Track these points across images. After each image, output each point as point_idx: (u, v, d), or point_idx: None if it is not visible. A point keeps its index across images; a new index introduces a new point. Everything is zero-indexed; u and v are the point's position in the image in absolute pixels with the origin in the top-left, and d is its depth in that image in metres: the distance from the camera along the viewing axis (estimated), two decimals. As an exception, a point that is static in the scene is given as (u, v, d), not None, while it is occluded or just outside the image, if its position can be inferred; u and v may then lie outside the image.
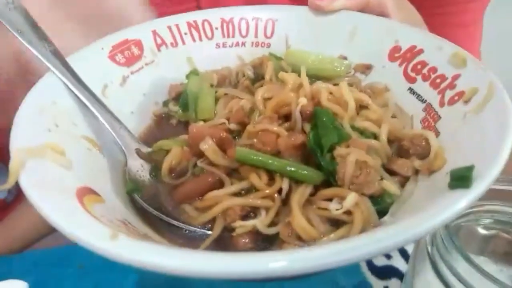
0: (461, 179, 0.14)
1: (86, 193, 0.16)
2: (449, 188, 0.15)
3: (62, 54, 0.21)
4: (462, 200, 0.13)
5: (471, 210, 0.22)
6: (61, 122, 0.19)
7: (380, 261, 0.30)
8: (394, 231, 0.12)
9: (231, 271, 0.12)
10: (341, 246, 0.12)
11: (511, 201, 0.22)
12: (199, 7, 0.45)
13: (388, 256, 0.31)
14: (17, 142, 0.16)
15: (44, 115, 0.19)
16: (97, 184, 0.18)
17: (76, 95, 0.20)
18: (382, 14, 0.26)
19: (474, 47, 0.59)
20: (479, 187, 0.13)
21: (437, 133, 0.19)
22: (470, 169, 0.14)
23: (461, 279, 0.18)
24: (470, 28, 0.56)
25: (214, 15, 0.27)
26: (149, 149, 0.21)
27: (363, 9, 0.27)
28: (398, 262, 0.29)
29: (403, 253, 0.29)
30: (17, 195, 0.67)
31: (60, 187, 0.15)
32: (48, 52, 0.20)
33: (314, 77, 0.25)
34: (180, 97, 0.24)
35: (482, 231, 0.24)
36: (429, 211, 0.13)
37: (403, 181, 0.18)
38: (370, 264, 0.30)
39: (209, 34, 0.27)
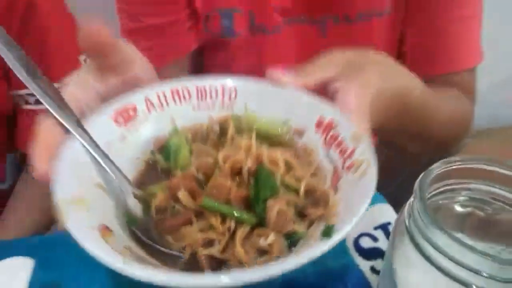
0: (326, 231, 0.24)
1: (103, 229, 0.25)
2: (321, 235, 0.24)
3: (81, 122, 0.30)
4: (322, 246, 0.23)
5: (448, 187, 0.26)
6: (82, 174, 0.28)
7: (367, 244, 0.37)
8: (283, 261, 0.22)
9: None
10: (262, 268, 0.22)
11: (485, 179, 0.26)
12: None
13: (374, 239, 0.38)
14: (60, 193, 0.25)
15: (73, 169, 0.27)
16: (108, 220, 0.27)
17: (92, 154, 0.29)
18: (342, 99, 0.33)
19: (474, 38, 0.64)
20: (334, 239, 0.23)
21: (336, 191, 0.29)
22: (332, 226, 0.24)
23: (439, 249, 0.21)
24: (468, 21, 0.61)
25: (190, 83, 0.36)
26: (141, 192, 0.30)
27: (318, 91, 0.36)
28: (384, 244, 0.37)
29: (389, 235, 0.36)
30: (11, 185, 0.72)
31: (88, 226, 0.24)
32: (74, 122, 0.29)
33: (263, 136, 0.34)
34: (164, 149, 0.33)
35: (458, 208, 0.27)
36: (303, 250, 0.23)
37: (311, 223, 0.28)
38: (357, 246, 0.37)
39: (187, 99, 0.36)
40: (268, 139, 0.33)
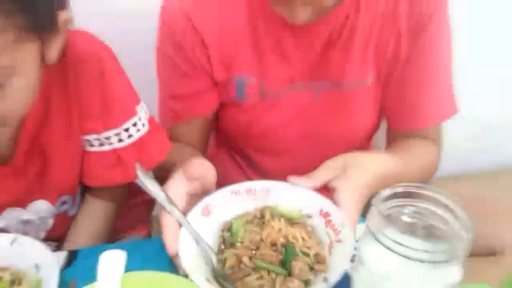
0: (325, 279, 0.46)
1: (206, 280, 0.47)
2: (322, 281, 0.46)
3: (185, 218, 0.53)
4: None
5: (397, 204, 0.42)
6: (192, 250, 0.51)
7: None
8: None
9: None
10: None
11: (420, 198, 0.42)
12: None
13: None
14: (187, 265, 0.48)
15: (187, 248, 0.50)
16: (206, 275, 0.49)
17: (195, 237, 0.52)
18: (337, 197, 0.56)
19: (443, 98, 0.75)
20: (330, 284, 0.45)
21: (330, 255, 0.51)
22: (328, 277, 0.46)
23: (393, 239, 0.37)
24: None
25: (240, 186, 0.59)
26: (220, 257, 0.53)
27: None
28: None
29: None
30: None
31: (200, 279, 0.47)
32: (183, 219, 0.52)
33: (286, 218, 0.56)
34: (229, 229, 0.56)
35: (405, 218, 0.43)
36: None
37: (316, 274, 0.50)
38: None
39: (240, 195, 0.59)
40: (290, 220, 0.56)
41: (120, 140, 0.65)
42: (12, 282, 0.49)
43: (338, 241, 0.51)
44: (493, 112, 1.35)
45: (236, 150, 0.87)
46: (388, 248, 0.40)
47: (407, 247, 0.38)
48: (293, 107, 0.75)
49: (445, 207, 0.43)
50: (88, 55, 0.61)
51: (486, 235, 0.59)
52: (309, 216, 0.56)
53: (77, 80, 0.62)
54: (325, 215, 0.55)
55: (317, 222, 0.55)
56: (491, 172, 1.37)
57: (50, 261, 0.49)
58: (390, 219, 0.44)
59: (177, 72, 0.73)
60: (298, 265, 0.49)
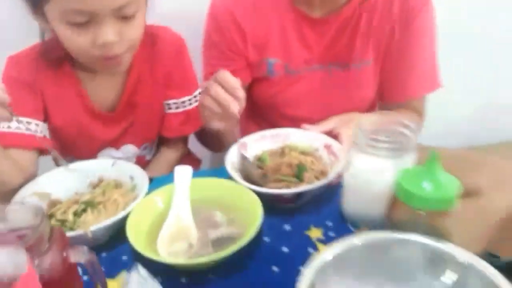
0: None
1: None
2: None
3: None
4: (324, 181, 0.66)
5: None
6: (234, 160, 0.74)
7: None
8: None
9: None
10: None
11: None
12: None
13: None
14: (231, 170, 0.71)
15: (233, 158, 0.73)
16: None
17: None
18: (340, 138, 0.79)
19: (428, 75, 0.95)
20: (328, 179, 0.67)
21: (332, 168, 0.73)
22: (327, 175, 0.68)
23: (367, 144, 0.69)
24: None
25: (268, 132, 0.82)
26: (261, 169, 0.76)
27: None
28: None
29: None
30: (154, 154, 1.01)
31: None
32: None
33: (300, 151, 0.78)
34: (260, 159, 0.79)
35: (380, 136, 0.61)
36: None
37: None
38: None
39: (267, 138, 0.82)
40: (303, 152, 0.78)
41: (190, 104, 0.92)
42: (116, 186, 0.73)
43: (336, 160, 0.73)
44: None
45: (264, 119, 1.10)
46: (365, 152, 0.61)
47: (375, 147, 0.60)
48: (310, 83, 0.98)
49: (407, 127, 0.64)
50: (171, 43, 0.91)
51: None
52: (317, 149, 0.79)
53: (163, 60, 0.91)
54: (328, 146, 0.77)
55: (322, 152, 0.77)
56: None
57: (140, 173, 0.74)
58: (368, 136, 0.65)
59: (219, 53, 0.98)
60: (307, 175, 0.71)
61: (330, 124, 0.82)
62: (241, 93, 0.70)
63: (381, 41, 0.94)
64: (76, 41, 0.73)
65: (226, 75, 0.69)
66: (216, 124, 0.76)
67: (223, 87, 0.69)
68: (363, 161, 0.63)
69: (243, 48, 0.95)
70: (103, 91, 0.87)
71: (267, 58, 0.95)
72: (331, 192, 0.72)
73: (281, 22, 0.94)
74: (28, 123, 0.81)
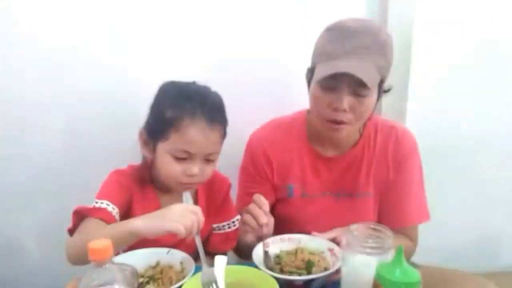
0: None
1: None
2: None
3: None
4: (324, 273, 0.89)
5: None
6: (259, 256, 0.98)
7: None
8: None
9: None
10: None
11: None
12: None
13: None
14: (259, 263, 0.94)
15: (259, 255, 0.97)
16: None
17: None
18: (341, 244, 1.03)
19: (419, 207, 1.16)
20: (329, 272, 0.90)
21: (333, 265, 0.95)
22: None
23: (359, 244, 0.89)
24: None
25: (286, 236, 1.08)
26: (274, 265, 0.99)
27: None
28: None
29: None
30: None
31: None
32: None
33: (310, 252, 1.02)
34: (278, 256, 1.03)
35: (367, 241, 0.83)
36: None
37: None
38: None
39: (284, 241, 1.07)
40: (312, 253, 1.02)
41: (229, 227, 1.23)
42: (169, 267, 0.97)
43: (337, 260, 0.96)
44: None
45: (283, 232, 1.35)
46: (357, 251, 0.86)
47: (364, 246, 0.85)
48: (322, 206, 1.20)
49: (384, 233, 0.89)
50: (221, 185, 1.26)
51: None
52: (322, 252, 1.03)
53: (216, 199, 1.24)
54: (331, 250, 1.01)
55: (327, 253, 1.01)
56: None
57: (189, 259, 0.98)
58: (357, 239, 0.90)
59: (251, 178, 1.28)
60: (314, 269, 0.94)
61: (334, 233, 1.07)
62: (271, 220, 1.02)
63: (380, 178, 1.17)
64: (173, 168, 1.05)
65: (259, 197, 0.99)
66: (249, 237, 1.03)
67: (257, 205, 0.97)
68: (355, 258, 0.87)
69: (270, 176, 1.24)
70: None
71: (288, 184, 1.22)
72: (333, 285, 0.93)
73: (300, 158, 1.23)
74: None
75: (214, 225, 1.22)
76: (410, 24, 1.44)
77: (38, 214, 1.47)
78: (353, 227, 0.90)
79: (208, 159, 1.09)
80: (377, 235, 0.88)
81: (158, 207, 1.15)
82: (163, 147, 1.08)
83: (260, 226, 0.97)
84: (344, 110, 1.03)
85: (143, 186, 1.16)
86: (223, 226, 1.22)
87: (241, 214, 1.04)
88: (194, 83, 1.14)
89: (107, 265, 0.62)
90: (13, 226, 1.48)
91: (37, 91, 1.35)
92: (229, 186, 1.28)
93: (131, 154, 1.19)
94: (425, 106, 1.55)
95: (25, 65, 1.31)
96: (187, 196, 1.02)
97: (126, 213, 1.10)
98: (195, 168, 1.07)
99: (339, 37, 0.98)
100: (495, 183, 1.75)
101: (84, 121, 1.41)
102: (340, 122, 1.06)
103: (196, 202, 1.20)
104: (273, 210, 1.23)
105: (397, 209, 1.17)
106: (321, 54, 1.04)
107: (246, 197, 1.22)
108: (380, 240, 0.86)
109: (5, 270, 1.50)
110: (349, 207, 1.23)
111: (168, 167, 1.07)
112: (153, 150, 1.11)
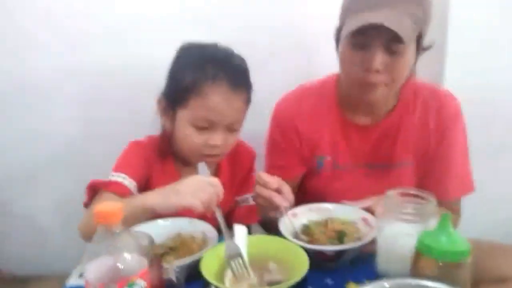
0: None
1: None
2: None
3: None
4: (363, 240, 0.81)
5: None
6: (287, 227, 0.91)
7: None
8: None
9: None
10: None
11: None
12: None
13: None
14: (285, 233, 0.88)
15: (286, 226, 0.91)
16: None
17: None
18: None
19: (464, 177, 1.08)
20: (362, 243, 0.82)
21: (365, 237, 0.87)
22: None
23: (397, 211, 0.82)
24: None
25: (321, 205, 1.00)
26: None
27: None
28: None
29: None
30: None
31: None
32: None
33: (343, 222, 0.94)
34: (306, 228, 0.96)
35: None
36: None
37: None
38: None
39: (318, 211, 0.99)
40: (344, 223, 0.94)
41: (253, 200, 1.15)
42: (191, 237, 0.92)
43: (371, 230, 0.88)
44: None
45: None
46: (394, 218, 0.77)
47: (403, 213, 0.76)
48: (354, 178, 1.12)
49: (425, 199, 0.79)
50: (247, 156, 1.20)
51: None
52: (355, 221, 0.95)
53: (241, 170, 1.17)
54: (365, 219, 0.93)
55: (360, 223, 0.93)
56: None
57: (210, 229, 0.92)
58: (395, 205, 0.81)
59: (279, 150, 1.18)
60: (346, 240, 0.87)
61: (367, 202, 0.98)
62: (286, 188, 0.92)
63: (419, 147, 1.08)
64: (195, 138, 1.01)
65: (263, 177, 0.91)
66: (269, 214, 0.95)
67: (264, 186, 0.90)
68: (393, 226, 0.78)
69: (299, 147, 1.14)
70: None
71: (317, 155, 1.13)
72: (367, 257, 0.85)
73: (331, 127, 1.12)
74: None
75: (238, 198, 1.14)
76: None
77: (62, 184, 1.50)
78: (390, 193, 0.81)
79: (231, 129, 1.02)
80: (417, 201, 0.79)
81: (178, 179, 1.09)
82: (183, 116, 1.01)
83: (277, 207, 0.90)
84: (377, 71, 0.92)
85: (163, 158, 1.10)
86: (247, 198, 1.14)
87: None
88: (215, 44, 1.06)
89: (117, 231, 0.55)
90: (33, 196, 1.51)
91: (58, 64, 1.37)
92: (254, 157, 1.21)
93: (150, 125, 1.14)
94: (466, 67, 1.39)
95: (50, 38, 1.36)
96: (203, 167, 0.95)
97: (146, 186, 1.05)
98: (217, 138, 1.00)
99: None
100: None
101: (103, 91, 1.40)
102: (373, 84, 0.94)
103: (218, 173, 1.14)
104: (302, 183, 1.18)
105: (439, 181, 1.07)
106: (348, 8, 0.94)
107: (273, 170, 1.12)
108: (421, 206, 0.77)
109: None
110: (384, 180, 1.13)
111: (188, 137, 1.01)
112: (173, 119, 1.04)
